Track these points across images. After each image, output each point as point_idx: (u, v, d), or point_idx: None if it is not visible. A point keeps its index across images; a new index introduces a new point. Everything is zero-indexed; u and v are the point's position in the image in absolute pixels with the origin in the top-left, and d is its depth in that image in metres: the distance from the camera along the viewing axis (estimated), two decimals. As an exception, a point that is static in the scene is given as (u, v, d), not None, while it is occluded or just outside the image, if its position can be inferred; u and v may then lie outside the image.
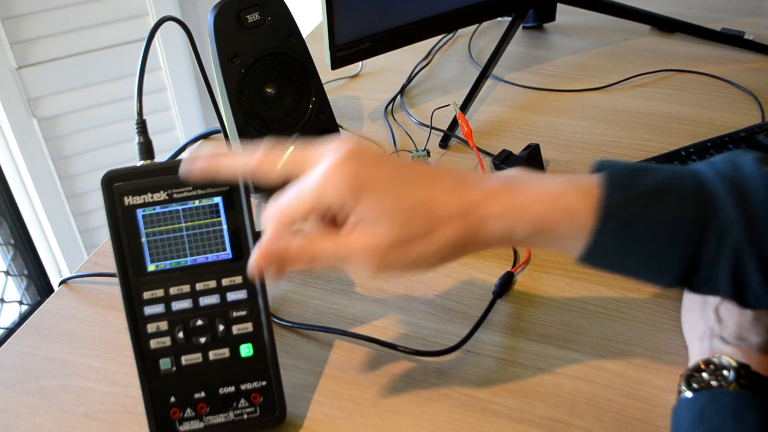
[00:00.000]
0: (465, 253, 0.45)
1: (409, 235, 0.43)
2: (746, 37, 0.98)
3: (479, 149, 0.78)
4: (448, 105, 0.81)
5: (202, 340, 0.49)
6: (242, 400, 0.49)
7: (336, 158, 0.43)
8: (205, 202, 0.49)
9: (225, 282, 0.49)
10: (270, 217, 0.45)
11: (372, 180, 0.43)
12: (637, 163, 0.46)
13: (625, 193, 0.42)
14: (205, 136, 0.85)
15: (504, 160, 0.75)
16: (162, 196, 0.48)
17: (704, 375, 0.48)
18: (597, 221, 0.42)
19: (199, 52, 0.62)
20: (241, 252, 0.49)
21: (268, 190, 0.74)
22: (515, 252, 0.65)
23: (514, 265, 0.64)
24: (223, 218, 0.49)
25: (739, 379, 0.46)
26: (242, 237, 0.49)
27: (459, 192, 0.44)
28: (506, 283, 0.61)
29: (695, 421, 0.45)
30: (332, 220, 0.45)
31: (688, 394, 0.47)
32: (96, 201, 1.68)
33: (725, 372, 0.47)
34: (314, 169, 0.43)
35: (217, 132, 0.84)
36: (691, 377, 0.48)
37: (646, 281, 0.45)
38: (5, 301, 1.63)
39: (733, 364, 0.47)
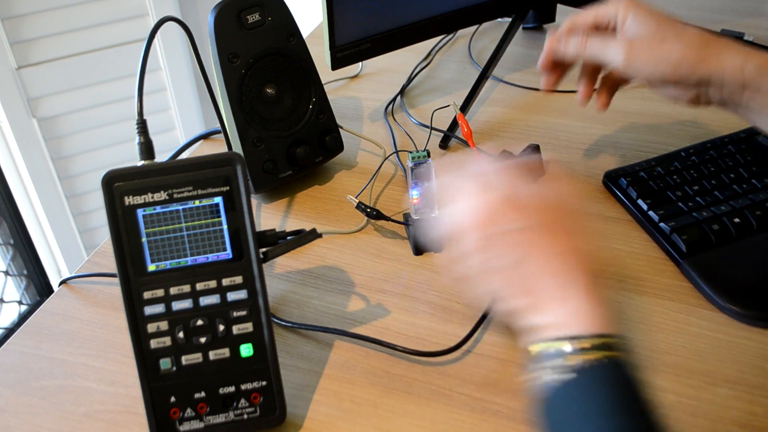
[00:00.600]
0: (698, 69, 0.55)
1: (661, 35, 0.56)
2: (746, 38, 0.98)
3: (479, 149, 0.78)
4: (448, 105, 0.81)
5: (203, 340, 0.49)
6: (242, 400, 0.49)
7: None
8: (206, 202, 0.49)
9: (225, 282, 0.49)
10: (565, 24, 0.62)
11: (641, 5, 0.58)
12: None
13: None
14: (205, 136, 0.85)
15: (504, 161, 0.75)
16: (162, 196, 0.48)
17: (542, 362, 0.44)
18: None
19: (199, 52, 0.62)
20: (241, 252, 0.49)
21: (268, 191, 0.74)
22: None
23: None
24: (223, 218, 0.49)
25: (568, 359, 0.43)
26: (242, 237, 0.49)
27: (707, 36, 0.55)
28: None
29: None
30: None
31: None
32: (96, 201, 1.68)
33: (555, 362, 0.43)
34: None
35: (217, 132, 0.84)
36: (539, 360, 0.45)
37: None
38: (5, 301, 1.63)
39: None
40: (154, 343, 0.48)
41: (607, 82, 0.65)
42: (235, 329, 0.49)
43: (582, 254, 0.46)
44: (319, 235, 0.57)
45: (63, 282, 0.65)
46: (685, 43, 0.56)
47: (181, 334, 0.49)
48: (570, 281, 0.45)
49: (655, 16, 0.57)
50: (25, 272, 1.70)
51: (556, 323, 0.44)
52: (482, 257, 0.47)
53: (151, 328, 0.48)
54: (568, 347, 0.43)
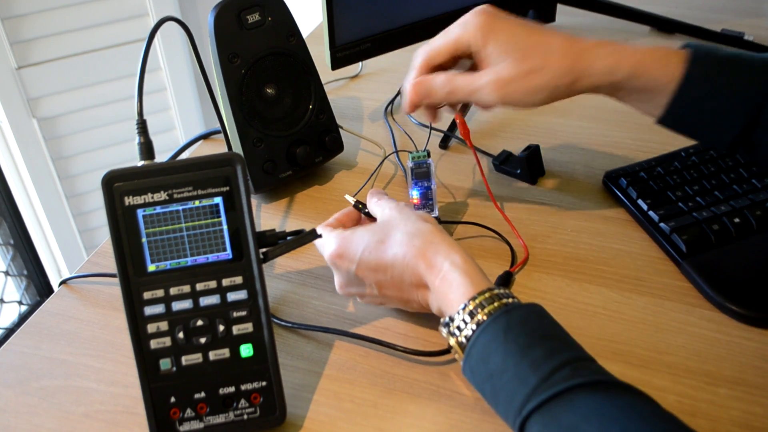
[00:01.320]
0: (573, 88, 0.55)
1: (527, 68, 0.54)
2: (746, 38, 0.98)
3: (478, 149, 0.78)
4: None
5: (203, 340, 0.49)
6: (242, 401, 0.49)
7: (474, 10, 0.56)
8: (206, 202, 0.49)
9: (225, 282, 0.49)
10: (418, 56, 0.58)
11: (498, 26, 0.55)
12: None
13: (709, 56, 0.53)
14: (205, 136, 0.85)
15: (504, 161, 0.75)
16: (162, 196, 0.48)
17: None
18: (686, 68, 0.53)
19: (199, 52, 0.62)
20: (241, 252, 0.49)
21: (268, 191, 0.74)
22: (512, 252, 0.65)
23: (512, 265, 0.64)
24: (223, 218, 0.49)
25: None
26: (242, 237, 0.49)
27: (571, 38, 0.55)
28: (505, 283, 0.61)
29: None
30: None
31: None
32: (96, 201, 1.68)
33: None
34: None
35: (217, 132, 0.85)
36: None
37: (713, 134, 0.55)
38: (5, 301, 1.63)
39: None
40: (154, 344, 0.48)
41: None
42: (235, 329, 0.49)
43: (420, 247, 0.51)
44: (319, 235, 0.57)
45: (63, 282, 0.65)
46: (555, 68, 0.54)
47: (181, 335, 0.49)
48: (430, 271, 0.50)
49: (515, 39, 0.55)
50: (25, 272, 1.70)
51: (444, 306, 0.50)
52: (352, 290, 0.56)
53: (151, 328, 0.48)
54: (463, 317, 0.48)
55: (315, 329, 0.58)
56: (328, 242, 0.55)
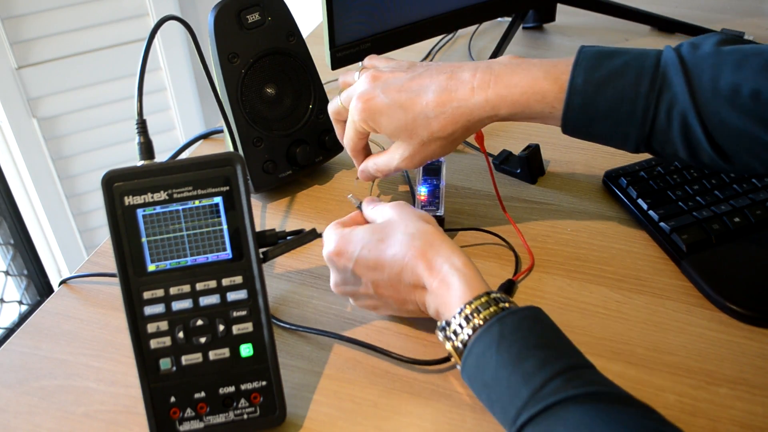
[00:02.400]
0: (469, 132, 0.59)
1: (420, 140, 0.59)
2: (746, 37, 0.98)
3: (478, 149, 0.78)
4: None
5: (202, 340, 0.49)
6: (242, 400, 0.49)
7: (352, 101, 0.60)
8: (206, 202, 0.49)
9: (225, 282, 0.49)
10: (348, 152, 0.65)
11: (376, 112, 0.59)
12: (613, 48, 0.55)
13: (590, 74, 0.54)
14: (205, 136, 0.85)
15: (504, 161, 0.75)
16: (162, 196, 0.48)
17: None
18: (564, 102, 0.54)
19: (201, 51, 0.62)
20: (241, 252, 0.49)
21: (267, 191, 0.74)
22: (516, 258, 0.65)
23: (515, 273, 0.63)
24: (223, 218, 0.49)
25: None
26: (242, 237, 0.49)
27: (445, 96, 0.57)
28: (507, 292, 0.61)
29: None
30: None
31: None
32: (96, 201, 1.68)
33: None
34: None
35: (217, 132, 0.84)
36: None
37: (615, 147, 0.56)
38: (5, 301, 1.63)
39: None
40: (154, 343, 0.48)
41: None
42: (235, 329, 0.49)
43: (419, 246, 0.52)
44: (319, 235, 0.57)
45: (63, 282, 0.65)
46: (439, 129, 0.57)
47: (181, 334, 0.49)
48: (429, 273, 0.51)
49: (395, 122, 0.58)
50: (25, 272, 1.70)
51: (441, 309, 0.50)
52: (346, 289, 0.57)
53: (151, 328, 0.48)
54: (459, 322, 0.48)
55: (313, 332, 0.58)
56: (328, 239, 0.55)
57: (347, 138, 0.64)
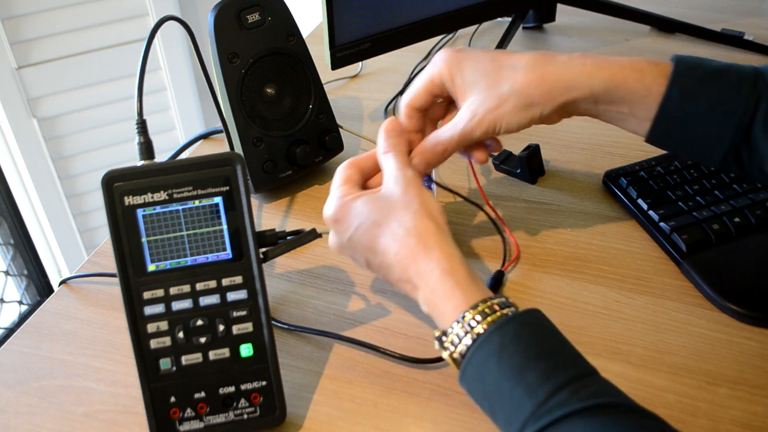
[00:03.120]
0: (551, 103, 0.54)
1: (498, 94, 0.54)
2: (746, 37, 0.98)
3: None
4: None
5: (202, 340, 0.49)
6: (242, 400, 0.49)
7: (443, 50, 0.57)
8: (206, 202, 0.49)
9: (225, 282, 0.49)
10: (402, 103, 0.59)
11: (464, 58, 0.56)
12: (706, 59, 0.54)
13: (693, 70, 0.51)
14: (205, 136, 0.85)
15: (504, 160, 0.75)
16: (162, 196, 0.48)
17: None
18: (665, 85, 0.51)
19: (200, 51, 0.62)
20: (241, 252, 0.49)
21: (267, 191, 0.74)
22: (505, 249, 0.65)
23: (503, 264, 0.64)
24: (223, 218, 0.49)
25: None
26: (242, 237, 0.49)
27: (541, 57, 0.54)
28: (497, 283, 0.61)
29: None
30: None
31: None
32: (96, 201, 1.68)
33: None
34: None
35: (217, 132, 0.85)
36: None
37: (701, 153, 0.53)
38: (5, 301, 1.63)
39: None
40: (154, 343, 0.48)
41: None
42: (235, 329, 0.49)
43: (422, 231, 0.50)
44: (319, 235, 0.57)
45: (63, 282, 0.65)
46: (523, 84, 0.54)
47: (181, 334, 0.49)
48: (419, 276, 0.49)
49: (481, 66, 0.55)
50: (25, 272, 1.70)
51: (435, 316, 0.49)
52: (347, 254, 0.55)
53: (151, 328, 0.48)
54: (456, 332, 0.46)
55: (313, 332, 0.58)
56: (329, 201, 0.54)
57: (411, 87, 0.58)
